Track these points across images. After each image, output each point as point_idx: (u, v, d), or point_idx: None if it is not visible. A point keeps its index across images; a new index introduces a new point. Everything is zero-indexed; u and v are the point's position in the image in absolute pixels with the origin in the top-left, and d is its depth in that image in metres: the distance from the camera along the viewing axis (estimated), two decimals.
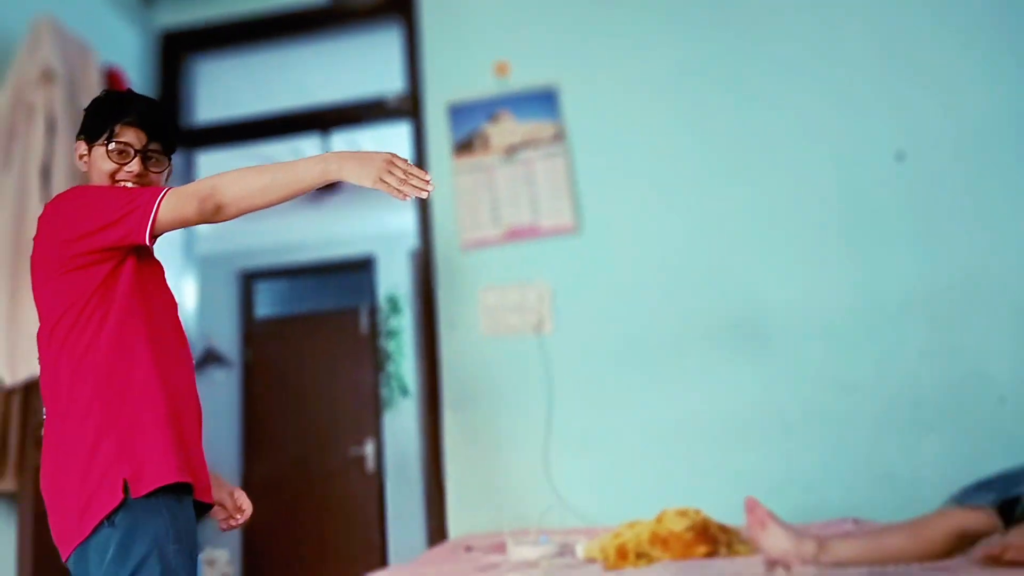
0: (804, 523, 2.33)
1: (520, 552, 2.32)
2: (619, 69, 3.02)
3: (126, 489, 1.35)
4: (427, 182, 1.45)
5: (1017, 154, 2.74)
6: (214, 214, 1.46)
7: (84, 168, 1.58)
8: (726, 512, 2.18)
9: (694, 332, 2.83)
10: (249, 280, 6.20)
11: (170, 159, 1.60)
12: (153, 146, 1.56)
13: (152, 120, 1.56)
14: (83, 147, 1.58)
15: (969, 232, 2.73)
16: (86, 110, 1.60)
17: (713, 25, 2.99)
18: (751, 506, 1.87)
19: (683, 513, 2.23)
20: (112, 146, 1.53)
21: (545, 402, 2.88)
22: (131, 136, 1.54)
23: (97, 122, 1.55)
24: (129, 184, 1.54)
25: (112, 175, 1.54)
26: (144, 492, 1.36)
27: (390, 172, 1.43)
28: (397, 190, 1.43)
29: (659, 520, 2.23)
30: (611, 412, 2.84)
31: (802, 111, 2.89)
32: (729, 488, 2.60)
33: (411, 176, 1.44)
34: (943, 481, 2.34)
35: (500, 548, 2.44)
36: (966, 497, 1.81)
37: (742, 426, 2.74)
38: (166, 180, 1.60)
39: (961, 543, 1.76)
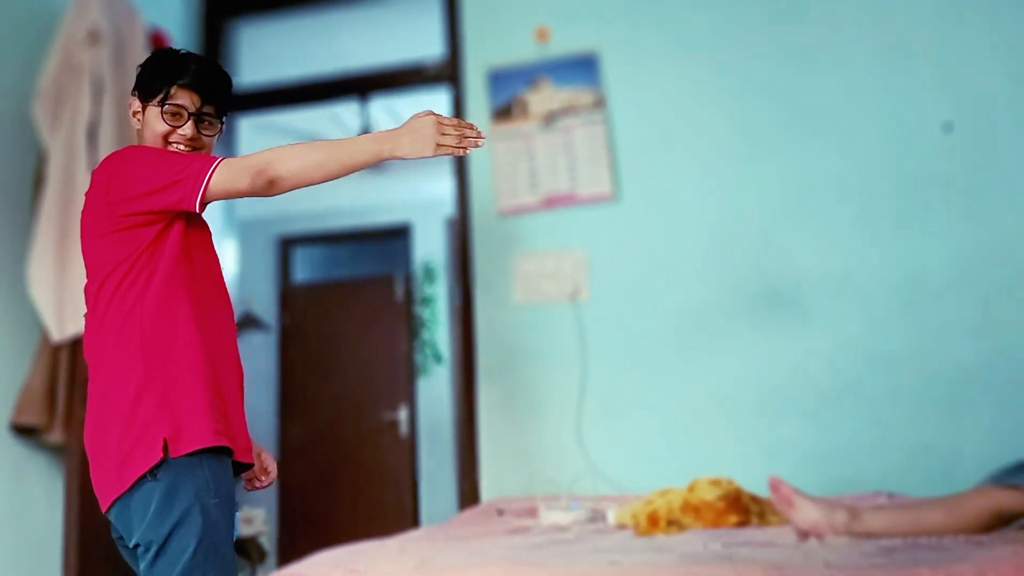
0: (837, 495, 2.32)
1: (551, 516, 2.35)
2: (660, 36, 2.98)
3: (165, 448, 1.38)
4: (479, 133, 1.46)
5: None
6: (266, 188, 1.47)
7: (137, 125, 1.59)
8: (759, 482, 2.18)
9: (731, 302, 2.81)
10: (287, 245, 6.27)
11: (223, 121, 1.62)
12: (207, 109, 1.56)
13: (207, 83, 1.56)
14: (137, 104, 1.58)
15: (1017, 207, 2.67)
16: (142, 66, 1.60)
17: None
18: (775, 485, 1.88)
19: (716, 483, 2.24)
20: (166, 108, 1.54)
21: (579, 370, 2.89)
22: (185, 99, 1.54)
23: (153, 81, 1.55)
24: (182, 147, 1.55)
25: (165, 136, 1.55)
26: (183, 453, 1.39)
27: (444, 135, 1.44)
28: (457, 149, 1.45)
29: (691, 489, 2.24)
30: (645, 381, 2.84)
31: (848, 79, 2.83)
32: (763, 459, 2.61)
33: (463, 130, 1.45)
34: (981, 458, 2.33)
35: (532, 512, 2.46)
36: (1004, 477, 1.80)
37: (778, 397, 2.73)
38: (217, 141, 1.62)
39: (997, 521, 1.75)
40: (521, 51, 3.07)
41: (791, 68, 2.88)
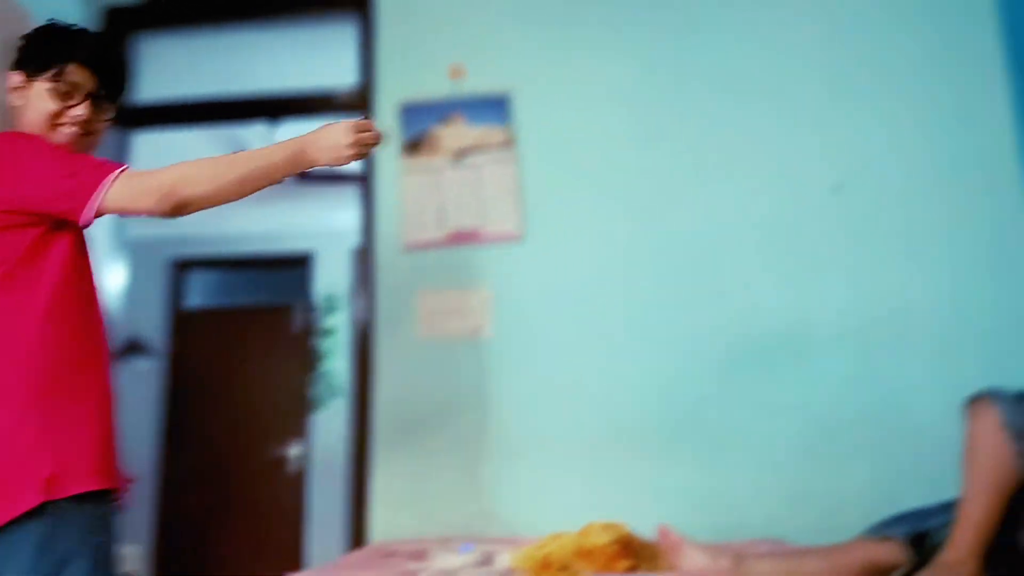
0: (725, 541, 2.36)
1: (441, 560, 2.29)
2: (573, 81, 3.04)
3: (47, 488, 1.26)
4: (378, 134, 1.44)
5: (947, 191, 2.83)
6: (173, 211, 1.36)
7: (18, 102, 1.42)
8: (651, 527, 2.19)
9: (630, 348, 2.85)
10: (181, 269, 6.04)
11: (116, 107, 1.49)
12: (104, 91, 1.43)
13: (106, 63, 1.42)
14: (19, 78, 1.41)
15: (898, 266, 2.81)
16: (28, 37, 1.43)
17: (667, 45, 3.03)
18: (663, 532, 1.91)
19: (608, 527, 2.23)
20: (59, 85, 1.39)
21: (478, 408, 2.86)
22: (81, 76, 1.39)
23: (43, 54, 1.39)
24: (71, 130, 1.42)
25: (53, 116, 1.39)
26: (66, 495, 1.27)
27: (356, 142, 1.40)
28: (368, 152, 1.42)
29: (584, 533, 2.23)
30: (542, 422, 2.84)
31: (749, 138, 2.94)
32: (656, 504, 2.62)
33: (369, 133, 1.42)
34: (861, 507, 2.40)
35: (422, 555, 2.40)
36: (881, 529, 1.87)
37: (672, 443, 2.76)
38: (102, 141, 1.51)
39: (872, 572, 1.81)
40: (435, 86, 3.08)
41: (697, 123, 2.97)
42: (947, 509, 1.81)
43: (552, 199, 2.97)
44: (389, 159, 3.06)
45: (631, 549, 2.18)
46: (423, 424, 2.91)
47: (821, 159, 2.90)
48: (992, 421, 1.69)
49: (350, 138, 1.39)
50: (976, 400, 1.78)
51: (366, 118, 1.46)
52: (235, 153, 1.41)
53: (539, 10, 3.10)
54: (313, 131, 1.42)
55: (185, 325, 5.82)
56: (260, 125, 3.71)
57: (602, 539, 2.19)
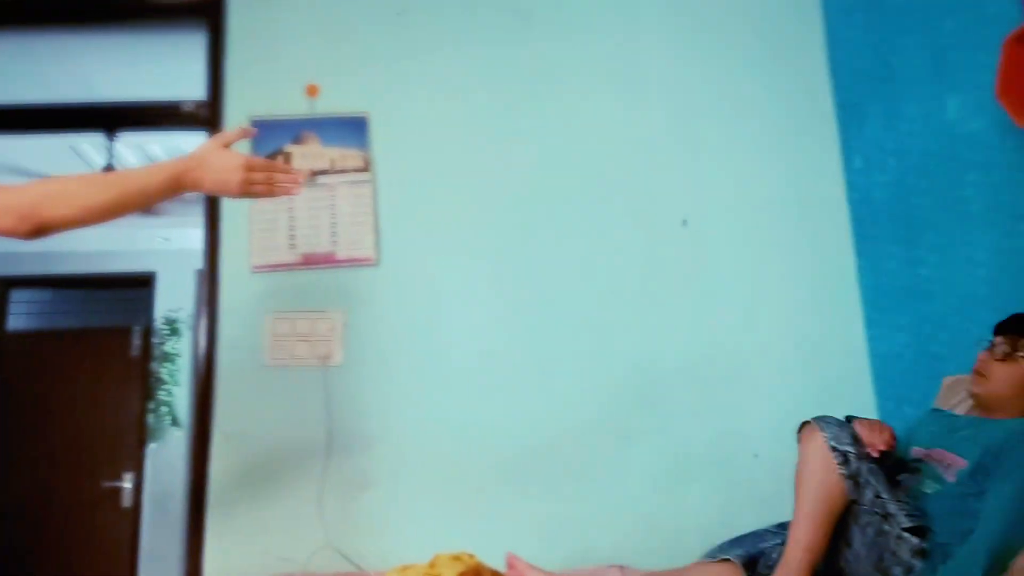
0: (573, 569, 2.37)
1: None
2: (432, 105, 3.02)
3: None
4: (296, 179, 1.32)
5: (783, 232, 3.00)
6: (34, 233, 1.21)
7: None
8: (501, 557, 2.16)
9: (482, 376, 2.84)
10: (6, 287, 5.56)
11: None
12: None
13: None
14: None
15: (739, 301, 2.94)
16: None
17: (524, 84, 3.05)
18: (511, 562, 1.90)
19: (457, 558, 2.19)
20: None
21: (324, 438, 2.76)
22: None
23: None
24: None
25: None
26: None
27: (252, 176, 1.28)
28: (267, 193, 1.30)
29: (432, 565, 2.17)
30: (389, 452, 2.77)
31: (602, 173, 3.02)
32: (505, 532, 2.61)
33: (276, 173, 1.30)
34: (705, 532, 2.49)
35: None
36: (719, 552, 1.93)
37: (521, 470, 2.76)
38: None
39: None
40: (288, 104, 2.98)
41: (553, 156, 3.02)
42: (781, 531, 1.89)
43: (409, 224, 2.94)
44: (237, 176, 2.92)
45: None
46: (266, 456, 2.77)
47: (670, 196, 3.01)
48: (820, 446, 1.79)
49: (240, 174, 1.27)
50: (805, 426, 1.87)
51: (276, 159, 1.32)
52: (108, 173, 1.27)
53: (399, 33, 3.07)
54: (197, 152, 1.29)
55: (7, 347, 5.35)
56: (98, 135, 3.49)
57: (450, 570, 2.15)
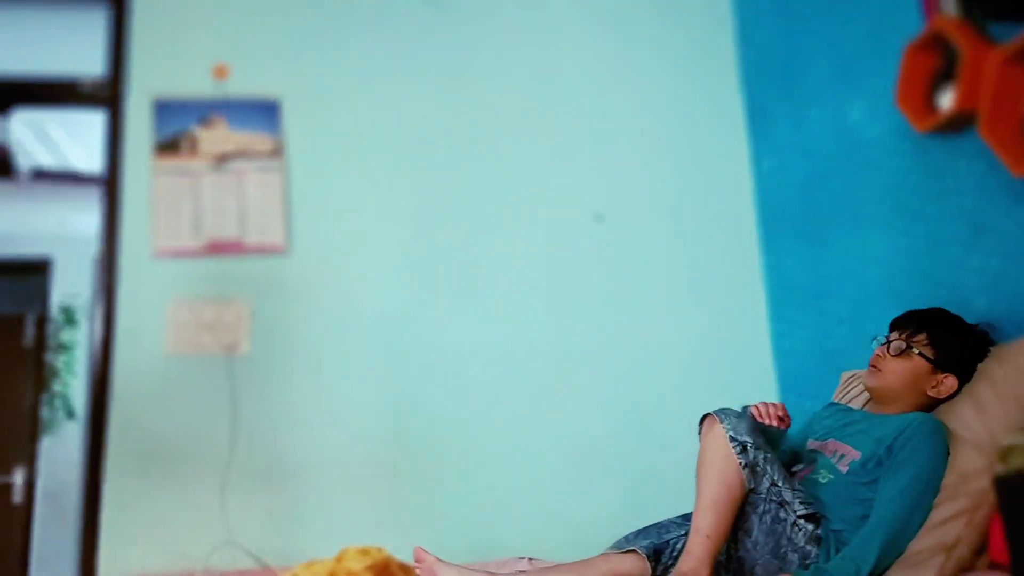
0: (483, 561, 2.36)
1: None
2: (346, 91, 2.96)
3: None
4: None
5: (693, 229, 3.06)
6: None
7: None
8: (411, 550, 2.13)
9: (393, 366, 2.80)
10: None
11: None
12: None
13: None
14: None
15: (650, 295, 2.99)
16: None
17: (440, 71, 3.03)
18: (418, 556, 1.87)
19: (365, 552, 2.15)
20: None
21: (228, 431, 2.67)
22: None
23: None
24: None
25: None
26: None
27: None
28: None
29: (339, 559, 2.13)
30: (297, 444, 2.70)
31: (518, 167, 3.01)
32: (414, 525, 2.58)
33: None
34: (610, 523, 2.51)
35: None
36: (625, 543, 1.94)
37: (430, 462, 2.74)
38: None
39: None
40: (195, 85, 2.87)
41: (467, 147, 3.00)
42: (685, 521, 1.92)
43: (321, 212, 2.87)
44: (139, 158, 2.81)
45: (388, 573, 2.12)
46: (166, 449, 2.67)
47: (585, 190, 3.03)
48: (719, 436, 1.82)
49: None
50: (706, 418, 1.91)
51: None
52: None
53: (313, 16, 3.00)
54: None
55: None
56: None
57: (357, 564, 2.11)
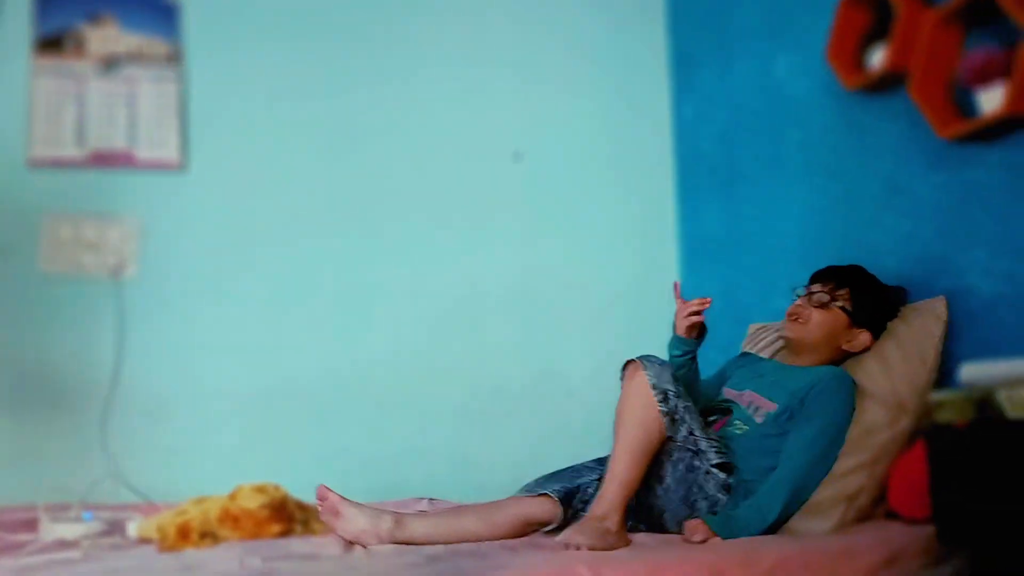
0: (384, 501, 2.30)
1: (55, 530, 1.95)
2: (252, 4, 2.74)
3: None
4: None
5: (610, 173, 3.03)
6: None
7: None
8: (312, 488, 2.04)
9: (300, 298, 2.67)
10: None
11: None
12: None
13: None
14: None
15: (563, 238, 2.95)
16: None
17: None
18: (322, 494, 1.79)
19: (261, 489, 2.05)
20: None
21: (112, 358, 2.48)
22: None
23: None
24: None
25: None
26: None
27: None
28: None
29: (233, 497, 2.03)
30: (191, 376, 2.55)
31: (434, 99, 2.88)
32: (316, 463, 2.49)
33: None
34: (515, 467, 2.48)
35: (31, 525, 2.04)
36: (536, 486, 1.92)
37: (335, 400, 2.65)
38: None
39: (527, 528, 1.85)
40: None
41: (384, 70, 2.85)
42: (599, 466, 1.91)
43: (223, 127, 2.67)
44: (15, 54, 2.52)
45: (285, 512, 2.03)
46: (41, 377, 2.47)
47: (504, 127, 2.94)
48: (641, 383, 1.80)
49: None
50: (629, 364, 1.89)
51: None
52: None
53: None
54: None
55: None
56: None
57: (252, 503, 2.01)
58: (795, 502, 1.77)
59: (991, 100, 1.77)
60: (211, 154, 2.65)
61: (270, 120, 2.72)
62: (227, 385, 2.57)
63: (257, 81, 2.72)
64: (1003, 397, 1.12)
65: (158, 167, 2.61)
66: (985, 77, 1.78)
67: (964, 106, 1.91)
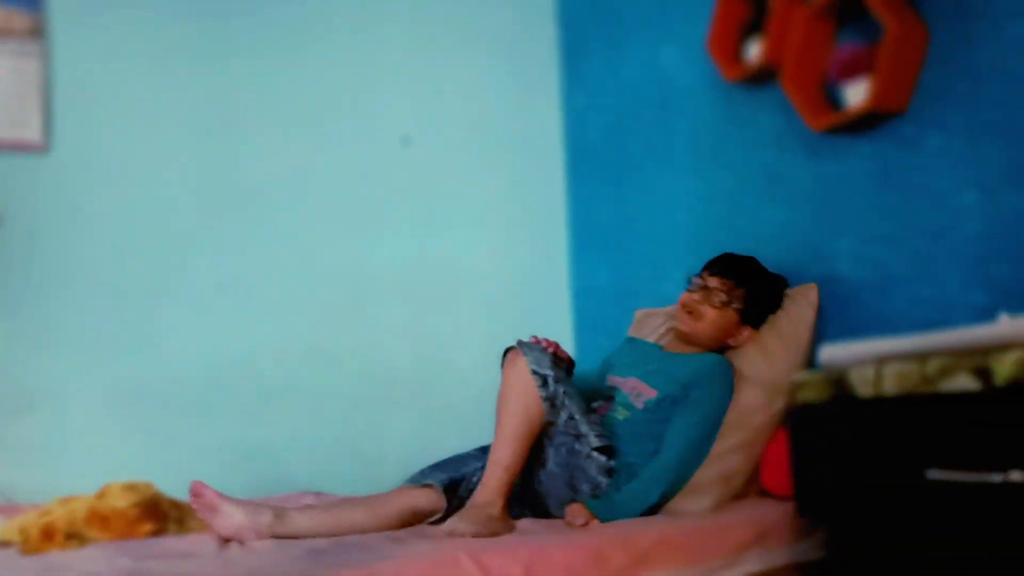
0: (266, 496, 2.23)
1: None
2: None
3: None
4: None
5: (501, 158, 3.02)
6: None
7: None
8: (185, 485, 1.96)
9: (173, 285, 2.55)
10: None
11: None
12: None
13: None
14: None
15: (453, 224, 2.93)
16: None
17: None
18: (196, 490, 1.72)
19: (131, 487, 1.96)
20: None
21: None
22: None
23: None
24: None
25: None
26: None
27: None
28: None
29: (101, 496, 1.93)
30: (54, 369, 2.41)
31: (320, 81, 2.80)
32: (196, 458, 2.40)
33: None
34: (405, 457, 2.46)
35: None
36: (421, 476, 1.90)
37: (216, 392, 2.54)
38: None
39: (413, 519, 1.84)
40: None
41: (266, 49, 2.75)
42: (483, 455, 1.90)
43: (89, 108, 2.52)
44: None
45: (157, 511, 1.95)
46: None
47: (392, 112, 2.89)
48: (522, 369, 1.81)
49: None
50: (510, 351, 1.89)
51: None
52: None
53: None
54: None
55: None
56: None
57: (122, 502, 1.92)
58: (675, 485, 1.82)
59: (856, 94, 1.84)
60: (77, 135, 2.50)
61: (142, 100, 2.58)
62: (95, 378, 2.43)
63: (128, 58, 2.57)
64: (855, 376, 1.17)
65: (18, 148, 2.44)
66: (851, 72, 1.85)
67: (835, 100, 1.99)
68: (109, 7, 2.56)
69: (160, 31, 2.62)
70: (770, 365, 1.94)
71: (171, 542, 1.81)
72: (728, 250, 2.11)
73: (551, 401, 1.80)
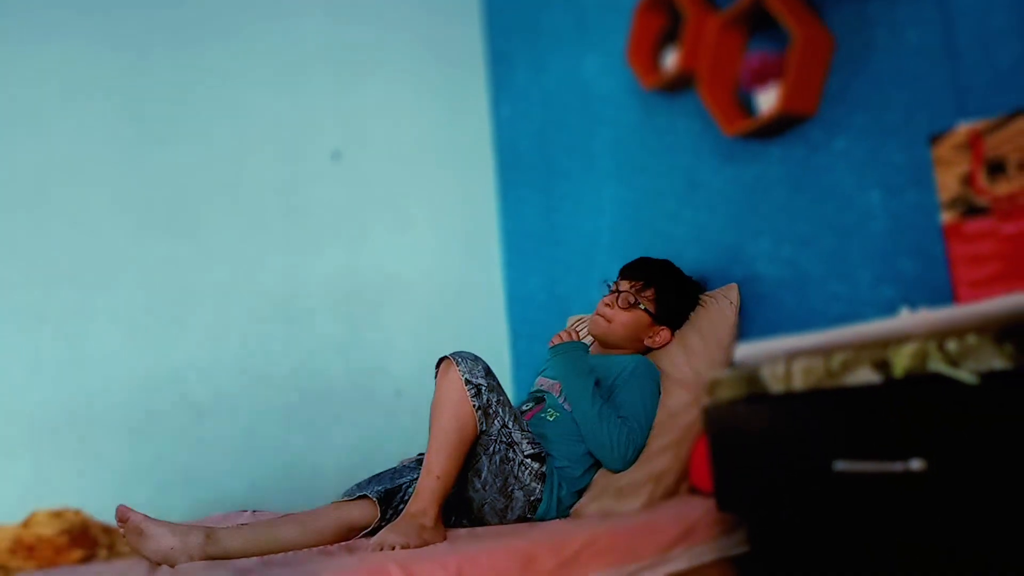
0: (202, 517, 2.20)
1: None
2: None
3: None
4: None
5: (433, 171, 3.03)
6: None
7: None
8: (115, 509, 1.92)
9: (100, 304, 2.49)
10: None
11: None
12: None
13: None
14: None
15: (388, 236, 2.93)
16: None
17: None
18: (122, 515, 1.69)
19: (58, 515, 1.94)
20: None
21: None
22: None
23: None
24: None
25: None
26: None
27: None
28: None
29: (27, 524, 1.90)
30: None
31: (248, 99, 2.78)
32: (129, 481, 2.35)
33: None
34: (343, 471, 2.45)
35: None
36: (357, 489, 1.90)
37: (147, 412, 2.49)
38: None
39: (350, 533, 1.83)
40: None
41: (194, 63, 2.71)
42: (419, 466, 1.91)
43: (8, 121, 2.44)
44: None
45: (86, 537, 1.92)
46: None
47: (322, 126, 2.88)
48: (455, 379, 1.82)
49: None
50: (442, 361, 1.90)
51: None
52: None
53: None
54: None
55: None
56: None
57: (49, 529, 1.89)
58: (601, 430, 1.88)
59: (768, 99, 1.91)
60: None
61: (64, 114, 2.52)
62: (17, 404, 2.35)
63: (50, 71, 2.51)
64: (767, 373, 1.21)
65: None
66: (762, 78, 1.92)
67: (749, 105, 2.05)
68: (29, 20, 2.50)
69: (81, 43, 2.56)
70: (694, 365, 1.99)
71: (100, 568, 1.77)
72: (651, 254, 2.16)
73: (484, 410, 1.82)
